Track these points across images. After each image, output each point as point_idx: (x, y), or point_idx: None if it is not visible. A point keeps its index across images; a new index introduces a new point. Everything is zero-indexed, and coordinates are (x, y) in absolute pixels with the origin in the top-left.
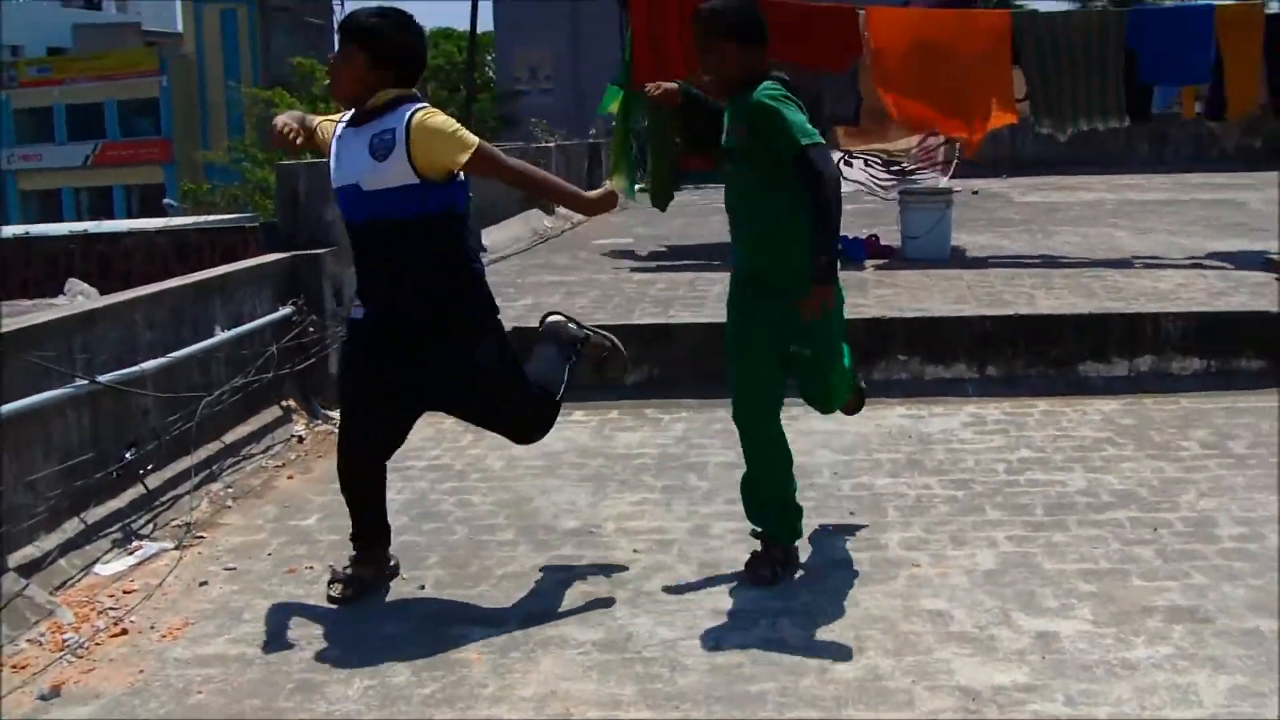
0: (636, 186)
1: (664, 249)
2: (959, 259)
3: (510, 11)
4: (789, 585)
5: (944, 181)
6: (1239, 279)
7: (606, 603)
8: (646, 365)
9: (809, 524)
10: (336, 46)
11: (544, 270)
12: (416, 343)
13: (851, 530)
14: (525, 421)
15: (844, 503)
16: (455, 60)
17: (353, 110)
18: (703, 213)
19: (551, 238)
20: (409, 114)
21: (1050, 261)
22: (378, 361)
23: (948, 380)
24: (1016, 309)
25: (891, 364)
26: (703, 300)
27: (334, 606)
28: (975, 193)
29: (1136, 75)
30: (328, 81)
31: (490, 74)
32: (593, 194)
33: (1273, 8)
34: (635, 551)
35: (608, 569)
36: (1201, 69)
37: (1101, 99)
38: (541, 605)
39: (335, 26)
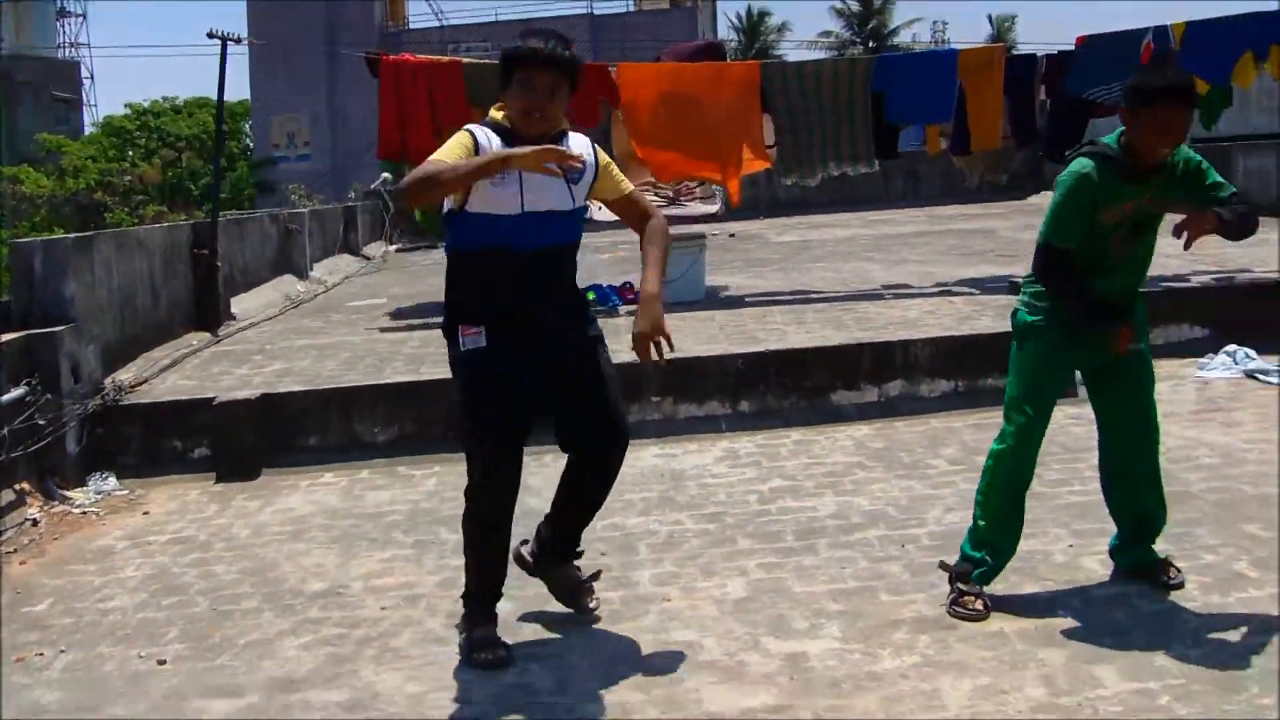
0: (394, 248)
1: (418, 306)
2: (714, 299)
3: (266, 78)
4: (537, 632)
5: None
6: (985, 303)
7: (353, 662)
8: (398, 423)
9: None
10: (532, 80)
11: (296, 334)
12: (555, 346)
13: (604, 569)
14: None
15: (595, 544)
16: (211, 129)
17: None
18: None
19: (304, 302)
20: (590, 146)
21: (803, 297)
22: (520, 380)
23: (701, 418)
24: (768, 345)
25: (645, 406)
26: None
27: (58, 694)
28: (732, 235)
29: (884, 116)
30: (536, 115)
31: (248, 141)
32: None
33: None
34: (383, 609)
35: (355, 628)
36: (945, 108)
37: (851, 145)
38: (285, 671)
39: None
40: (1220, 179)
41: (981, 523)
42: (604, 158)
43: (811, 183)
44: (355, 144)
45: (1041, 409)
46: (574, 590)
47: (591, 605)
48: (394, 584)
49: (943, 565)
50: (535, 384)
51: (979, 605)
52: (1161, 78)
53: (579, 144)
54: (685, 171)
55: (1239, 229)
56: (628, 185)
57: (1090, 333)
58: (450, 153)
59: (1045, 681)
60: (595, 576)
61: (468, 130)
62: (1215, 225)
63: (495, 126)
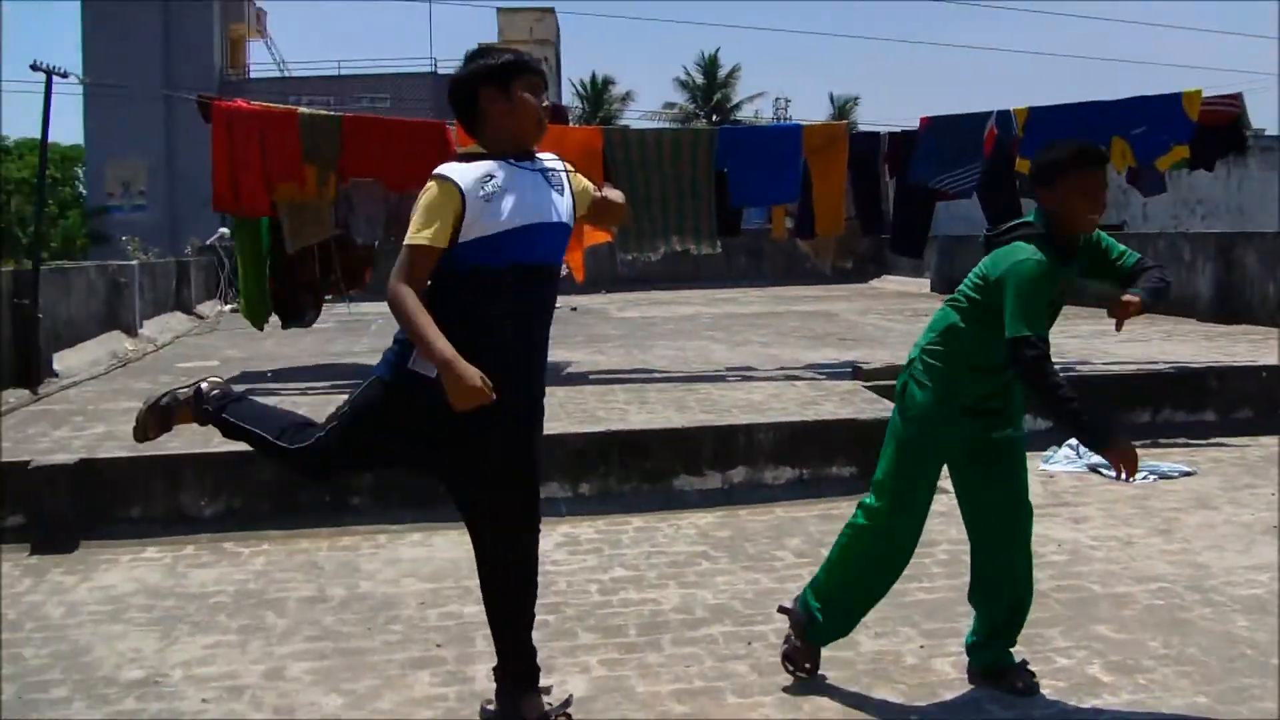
0: (229, 307)
1: (250, 373)
2: (554, 376)
3: (101, 122)
4: None
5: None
6: (829, 388)
7: None
8: (226, 496)
9: (395, 659)
10: (537, 85)
11: (121, 396)
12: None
13: (439, 663)
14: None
15: (430, 634)
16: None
17: (468, 162)
18: (296, 333)
19: (132, 361)
20: (555, 159)
21: (646, 376)
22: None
23: (541, 500)
24: (609, 425)
25: None
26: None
27: None
28: (574, 309)
29: (728, 197)
30: (544, 120)
31: (82, 188)
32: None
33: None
34: (204, 701)
35: None
36: (790, 188)
37: (695, 222)
38: None
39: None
40: (1122, 246)
41: (821, 576)
42: (579, 179)
43: (653, 257)
44: (193, 195)
45: (914, 494)
46: None
47: None
48: (216, 673)
49: (781, 609)
50: (446, 446)
51: (806, 668)
52: (1069, 145)
53: (553, 158)
54: None
55: (1158, 304)
56: (587, 189)
57: (971, 419)
58: (432, 226)
59: None
60: (567, 703)
61: (440, 181)
62: (1140, 310)
63: (473, 157)
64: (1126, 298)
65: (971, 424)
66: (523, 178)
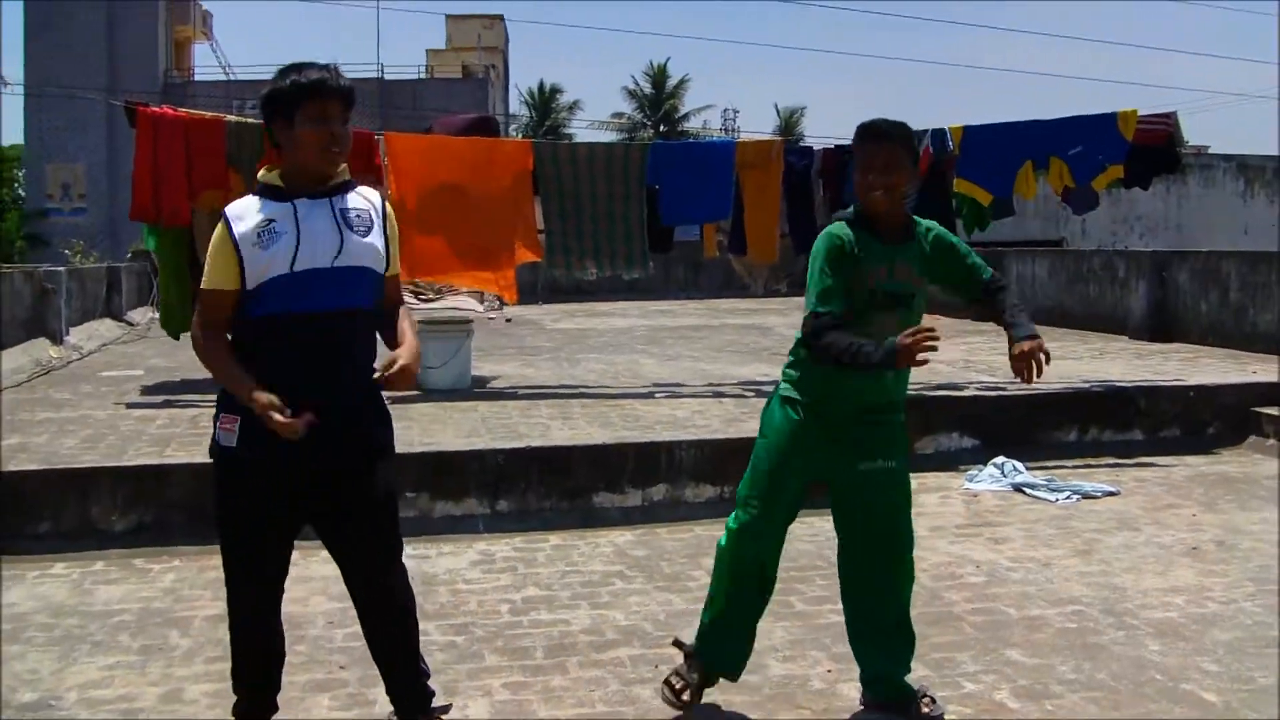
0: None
1: (174, 382)
2: (480, 389)
3: (41, 124)
4: None
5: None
6: (755, 405)
7: None
8: (138, 511)
9: (296, 680)
10: (328, 110)
11: (39, 406)
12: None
13: (340, 685)
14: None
15: (335, 656)
16: None
17: (255, 194)
18: None
19: (56, 369)
20: (380, 200)
21: (573, 391)
22: (279, 495)
23: (458, 517)
24: (530, 441)
25: (401, 502)
26: (202, 439)
27: None
28: (509, 320)
29: (659, 214)
30: (336, 150)
31: (20, 190)
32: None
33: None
34: None
35: None
36: (722, 205)
37: (626, 244)
38: None
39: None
40: (979, 260)
41: (705, 617)
42: (394, 226)
43: (582, 275)
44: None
45: (774, 506)
46: None
47: None
48: (111, 696)
49: (676, 642)
50: (299, 498)
51: (685, 697)
52: (862, 122)
53: (369, 196)
54: (451, 272)
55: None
56: (397, 267)
57: (828, 444)
58: (215, 269)
59: None
60: None
61: (222, 224)
62: (1042, 347)
63: (266, 190)
64: (1022, 348)
65: (830, 449)
66: (311, 218)
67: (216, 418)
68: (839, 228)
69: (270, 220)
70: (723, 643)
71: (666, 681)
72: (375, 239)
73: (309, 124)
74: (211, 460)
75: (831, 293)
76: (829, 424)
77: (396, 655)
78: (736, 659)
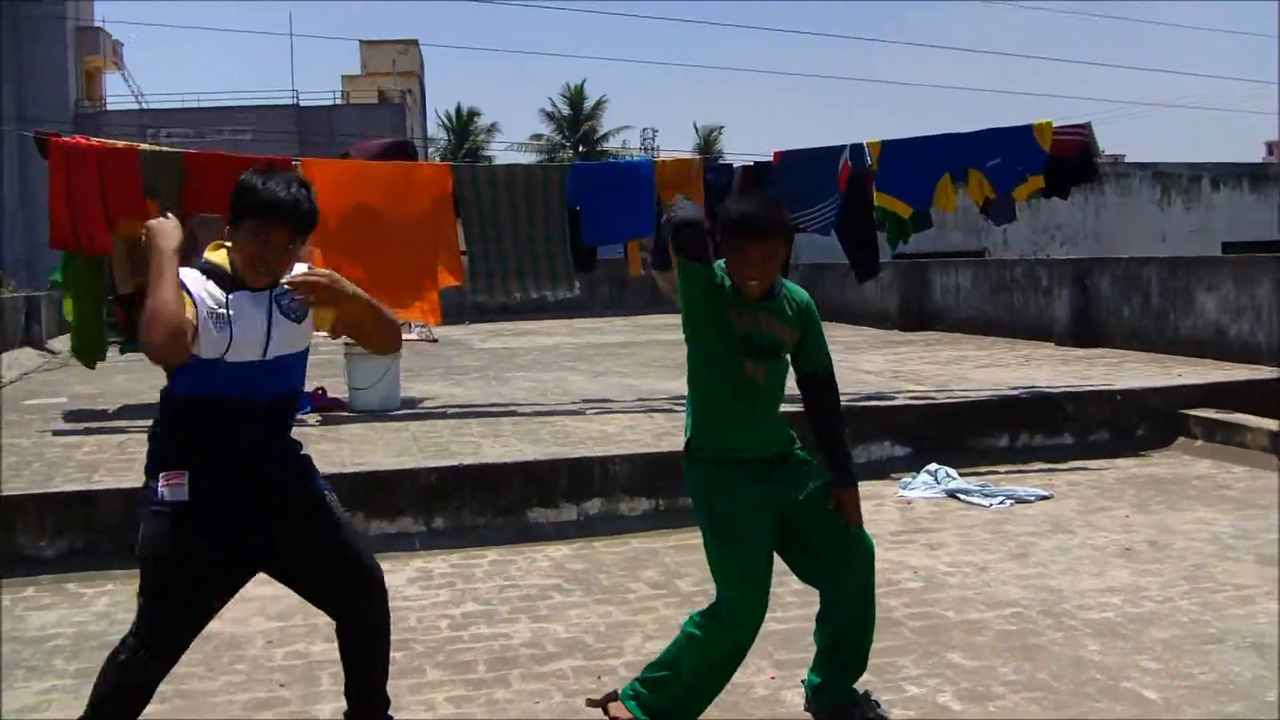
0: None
1: (100, 410)
2: (410, 409)
3: None
4: None
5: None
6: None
7: None
8: (68, 536)
9: (234, 699)
10: (268, 232)
11: None
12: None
13: (282, 703)
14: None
15: (275, 674)
16: None
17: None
18: (148, 368)
19: None
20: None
21: (502, 409)
22: (226, 539)
23: (393, 535)
24: (461, 459)
25: None
26: (131, 463)
27: None
28: (434, 341)
29: (582, 234)
30: (263, 270)
31: None
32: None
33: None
34: None
35: None
36: (644, 223)
37: (549, 264)
38: None
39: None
40: (823, 348)
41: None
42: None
43: (507, 300)
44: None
45: (756, 584)
46: None
47: None
48: None
49: (590, 702)
50: (248, 550)
51: None
52: (738, 208)
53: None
54: (378, 297)
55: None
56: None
57: (757, 485)
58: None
59: None
60: None
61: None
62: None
63: (210, 271)
64: (841, 494)
65: (760, 489)
66: (249, 309)
67: (155, 477)
68: (716, 266)
69: (221, 305)
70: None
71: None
72: (307, 324)
73: (249, 235)
74: (152, 515)
75: (689, 280)
76: (746, 467)
77: (370, 679)
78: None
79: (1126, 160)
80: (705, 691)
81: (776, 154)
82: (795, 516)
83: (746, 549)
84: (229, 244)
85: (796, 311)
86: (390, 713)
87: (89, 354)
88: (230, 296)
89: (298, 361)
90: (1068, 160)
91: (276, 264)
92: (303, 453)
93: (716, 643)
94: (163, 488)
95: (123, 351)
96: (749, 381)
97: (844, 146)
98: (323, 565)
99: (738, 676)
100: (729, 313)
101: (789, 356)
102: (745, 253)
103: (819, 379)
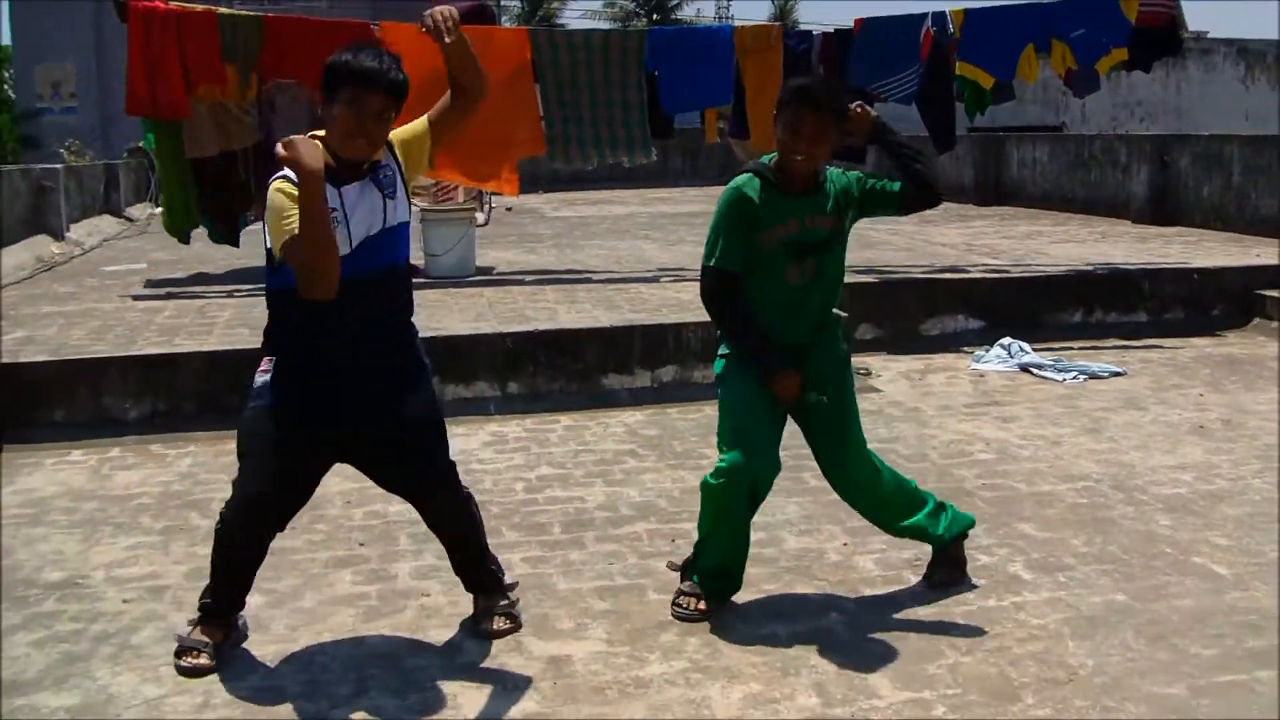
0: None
1: (178, 276)
2: (484, 276)
3: (28, 22)
4: (289, 627)
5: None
6: None
7: (87, 661)
8: (151, 398)
9: (317, 558)
10: (361, 99)
11: (43, 300)
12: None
13: (361, 561)
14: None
15: (354, 533)
16: None
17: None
18: None
19: (58, 264)
20: (388, 150)
21: (577, 276)
22: (325, 417)
23: (468, 400)
24: (537, 324)
25: None
26: (211, 328)
27: None
28: (509, 209)
29: (659, 101)
30: (361, 140)
31: (10, 92)
32: None
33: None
34: (125, 601)
35: (93, 622)
36: (723, 91)
37: (626, 131)
38: (12, 672)
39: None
40: (889, 187)
41: (702, 539)
42: (397, 139)
43: (586, 166)
44: (125, 96)
45: (750, 451)
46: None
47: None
48: (137, 574)
49: (670, 565)
50: (328, 439)
51: (699, 606)
52: (798, 80)
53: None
54: (452, 170)
55: (911, 156)
56: (421, 121)
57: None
58: (285, 218)
59: (818, 690)
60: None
61: (283, 177)
62: (869, 116)
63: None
64: (856, 110)
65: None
66: (352, 196)
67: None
68: (747, 183)
69: (336, 210)
70: (719, 569)
71: (675, 604)
72: (401, 196)
73: (345, 106)
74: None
75: (728, 249)
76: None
77: (468, 554)
78: (734, 580)
79: (1210, 36)
80: (729, 536)
81: (858, 21)
82: (802, 414)
83: (741, 411)
84: (320, 134)
85: (837, 198)
86: (502, 576)
87: (177, 226)
88: (341, 192)
89: (401, 233)
90: (1152, 32)
91: (373, 132)
92: (413, 338)
93: (714, 495)
94: (259, 373)
95: (214, 239)
96: (798, 284)
97: (926, 14)
98: (399, 487)
99: (810, 541)
100: (762, 234)
101: (846, 241)
102: (798, 125)
103: (907, 191)
